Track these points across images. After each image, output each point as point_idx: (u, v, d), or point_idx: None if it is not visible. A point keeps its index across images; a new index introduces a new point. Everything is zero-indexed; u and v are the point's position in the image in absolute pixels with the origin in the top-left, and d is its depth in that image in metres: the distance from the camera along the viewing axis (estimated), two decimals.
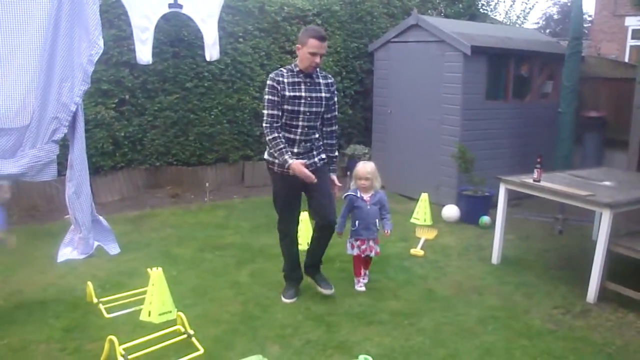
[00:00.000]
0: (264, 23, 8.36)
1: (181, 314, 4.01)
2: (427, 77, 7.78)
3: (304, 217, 5.95)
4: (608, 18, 19.02)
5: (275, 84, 4.22)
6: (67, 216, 5.27)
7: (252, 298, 4.69)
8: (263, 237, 6.27)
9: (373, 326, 4.22)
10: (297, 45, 4.31)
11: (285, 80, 4.24)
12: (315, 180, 4.22)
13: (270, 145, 4.29)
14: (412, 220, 7.01)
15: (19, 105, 4.17)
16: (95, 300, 4.44)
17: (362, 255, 4.93)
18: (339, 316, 4.33)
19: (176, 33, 7.58)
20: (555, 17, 34.95)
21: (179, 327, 4.01)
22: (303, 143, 4.38)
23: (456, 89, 7.33)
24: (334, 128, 4.60)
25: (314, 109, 4.34)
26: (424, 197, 7.05)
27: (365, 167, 4.88)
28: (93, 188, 7.14)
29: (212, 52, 6.90)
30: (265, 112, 4.27)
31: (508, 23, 12.98)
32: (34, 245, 5.74)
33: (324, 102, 4.39)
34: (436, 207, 7.25)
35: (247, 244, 6.02)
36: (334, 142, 4.64)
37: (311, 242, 4.77)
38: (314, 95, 4.32)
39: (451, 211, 7.09)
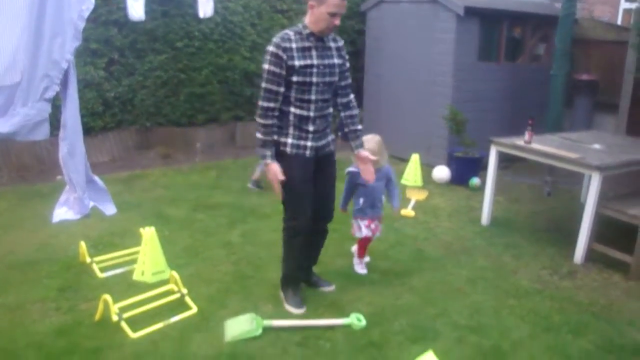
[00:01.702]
0: None
1: (174, 273, 4.05)
2: (419, 37, 7.72)
3: None
4: None
5: (280, 52, 3.45)
6: (60, 177, 5.26)
7: (244, 257, 4.74)
8: (254, 197, 6.29)
9: (364, 286, 4.29)
10: (310, 3, 3.52)
11: (294, 45, 3.50)
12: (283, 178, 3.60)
13: (260, 130, 3.58)
14: (402, 181, 7.03)
15: (9, 63, 4.10)
16: (88, 260, 4.47)
17: (373, 237, 4.52)
18: (330, 276, 4.38)
19: None
20: None
21: (172, 286, 4.05)
22: (318, 120, 3.69)
23: (448, 50, 7.29)
24: (350, 97, 3.92)
25: (327, 79, 3.63)
26: (415, 158, 7.06)
27: (368, 143, 4.19)
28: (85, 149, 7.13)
29: (205, 8, 6.81)
30: (263, 85, 3.53)
31: None
32: (24, 206, 5.74)
33: (337, 70, 3.70)
34: (427, 168, 7.27)
35: (238, 204, 6.04)
36: (354, 112, 3.95)
37: (312, 236, 4.04)
38: (326, 62, 3.61)
39: (442, 172, 7.13)
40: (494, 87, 7.81)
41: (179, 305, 3.88)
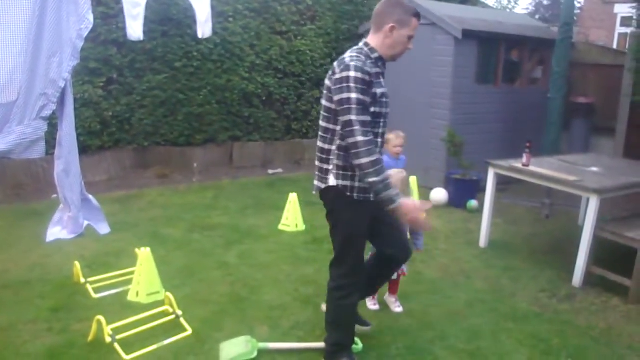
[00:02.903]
0: (254, 3, 8.29)
1: (169, 294, 4.00)
2: (417, 60, 7.73)
3: (293, 198, 5.95)
4: (597, 5, 19.01)
5: (366, 77, 2.96)
6: (55, 196, 5.23)
7: (240, 279, 4.69)
8: (251, 218, 6.26)
9: (361, 308, 4.24)
10: (390, 25, 3.08)
11: (372, 70, 3.04)
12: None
13: (368, 171, 2.90)
14: None
15: (6, 81, 4.11)
16: (82, 280, 4.42)
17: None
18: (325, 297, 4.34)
19: (165, 12, 7.49)
20: (545, 2, 34.95)
21: (167, 307, 4.00)
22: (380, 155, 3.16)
23: (446, 73, 7.32)
24: None
25: (389, 110, 3.25)
26: (413, 180, 7.04)
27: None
28: (80, 168, 7.10)
29: (204, 29, 6.84)
30: (353, 118, 2.91)
31: (499, 7, 12.97)
32: (19, 225, 5.69)
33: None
34: (424, 190, 7.26)
35: (235, 225, 6.01)
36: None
37: (371, 278, 3.68)
38: (387, 91, 3.22)
39: (439, 194, 7.11)
40: (492, 109, 7.82)
41: (174, 327, 3.82)
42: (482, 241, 5.67)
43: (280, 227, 5.96)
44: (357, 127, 2.91)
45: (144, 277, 4.21)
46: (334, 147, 3.11)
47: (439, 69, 7.43)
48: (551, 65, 7.57)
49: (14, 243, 5.24)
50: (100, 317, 3.58)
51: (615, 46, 16.00)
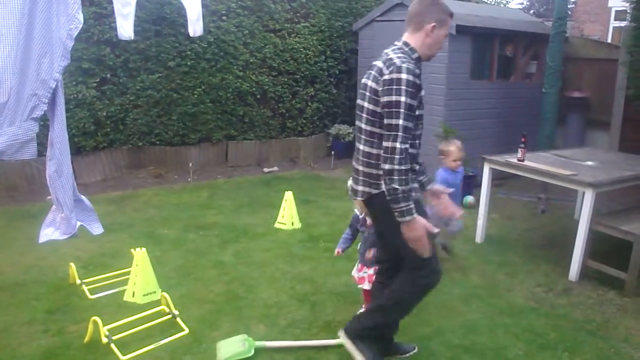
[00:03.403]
0: (248, 1, 8.27)
1: (165, 294, 3.99)
2: None
3: (289, 196, 5.94)
4: None
5: (417, 80, 2.89)
6: (50, 197, 5.22)
7: (236, 278, 4.68)
8: (247, 216, 6.25)
9: (357, 305, 4.23)
10: (431, 24, 3.03)
11: (417, 72, 2.94)
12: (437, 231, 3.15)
13: (395, 177, 2.85)
14: None
15: None
16: (78, 281, 4.40)
17: None
18: (323, 295, 4.34)
19: (158, 11, 7.47)
20: None
21: (163, 307, 3.99)
22: (419, 157, 3.23)
23: (441, 69, 7.31)
24: None
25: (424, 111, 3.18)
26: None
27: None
28: (75, 168, 7.05)
29: (195, 27, 6.82)
30: (398, 123, 2.84)
31: (493, 3, 12.96)
32: (14, 227, 5.67)
33: None
34: None
35: (230, 224, 6.00)
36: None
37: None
38: None
39: None
40: (487, 105, 7.83)
41: (170, 327, 3.82)
42: (479, 236, 5.67)
43: (276, 225, 5.95)
44: (400, 133, 2.84)
45: (139, 278, 4.20)
46: (382, 152, 2.96)
47: (433, 64, 7.39)
48: (545, 60, 7.57)
49: (8, 245, 5.22)
50: (97, 318, 3.57)
51: (609, 40, 16.00)
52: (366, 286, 3.83)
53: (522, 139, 5.21)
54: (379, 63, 3.02)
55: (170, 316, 3.89)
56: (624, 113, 7.82)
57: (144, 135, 7.82)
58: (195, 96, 8.00)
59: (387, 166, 2.87)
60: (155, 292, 4.24)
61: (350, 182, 3.32)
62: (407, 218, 2.89)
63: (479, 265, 5.12)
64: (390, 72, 2.89)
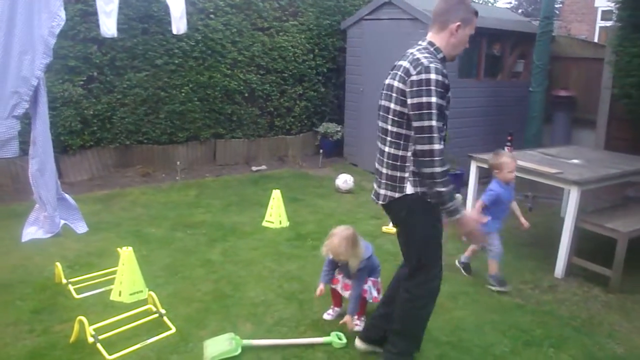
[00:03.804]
0: None
1: (152, 293, 3.98)
2: (399, 54, 7.73)
3: (276, 194, 5.94)
4: None
5: (445, 80, 2.86)
6: (34, 196, 5.18)
7: (223, 276, 4.68)
8: (234, 215, 6.24)
9: (345, 303, 4.24)
10: (456, 24, 2.99)
11: (445, 72, 2.92)
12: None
13: (438, 180, 2.85)
14: None
15: None
16: (64, 281, 4.38)
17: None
18: (311, 294, 4.33)
19: (145, 9, 7.43)
20: None
21: (150, 306, 3.98)
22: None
23: None
24: None
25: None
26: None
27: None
28: (61, 167, 7.04)
29: (179, 25, 6.79)
30: (433, 123, 2.81)
31: (481, 2, 13.01)
32: None
33: None
34: None
35: (218, 222, 5.99)
36: None
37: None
38: None
39: None
40: (474, 103, 7.86)
41: (157, 326, 3.80)
42: None
43: (264, 223, 5.94)
44: (435, 134, 2.81)
45: (126, 277, 4.18)
46: (409, 154, 2.97)
47: None
48: (532, 59, 7.62)
49: None
50: (82, 318, 3.55)
51: (596, 39, 16.11)
52: (338, 288, 3.91)
53: (509, 138, 5.25)
54: (404, 63, 2.98)
55: (157, 315, 3.88)
56: (610, 112, 7.89)
57: (131, 133, 7.78)
58: (183, 94, 7.97)
59: (427, 170, 2.85)
60: (142, 291, 4.22)
61: (373, 184, 3.29)
62: (457, 216, 2.92)
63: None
64: (419, 73, 2.85)
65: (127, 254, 4.18)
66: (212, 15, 8.01)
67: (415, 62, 2.90)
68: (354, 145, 8.91)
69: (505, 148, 5.22)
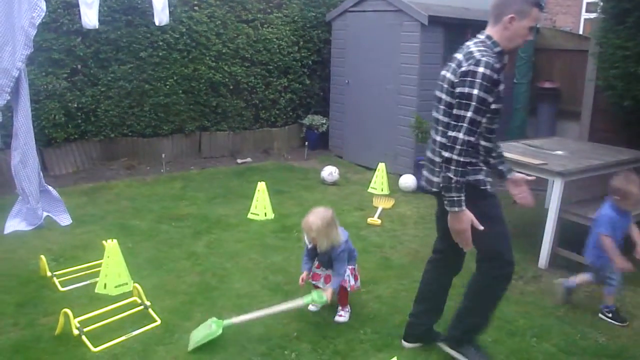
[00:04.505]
0: None
1: (137, 285, 3.97)
2: (384, 47, 7.77)
3: (262, 187, 5.94)
4: None
5: (494, 75, 2.84)
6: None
7: (209, 268, 4.68)
8: (220, 207, 6.24)
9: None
10: (510, 16, 2.95)
11: (497, 66, 2.90)
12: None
13: (452, 167, 2.84)
14: (369, 189, 7.08)
15: None
16: (49, 273, 4.36)
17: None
18: (296, 285, 4.31)
19: (129, 1, 7.37)
20: None
21: (135, 298, 3.98)
22: (495, 149, 3.30)
23: (413, 59, 7.35)
24: None
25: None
26: (381, 167, 7.10)
27: (313, 224, 3.68)
28: (46, 160, 6.99)
29: (161, 16, 6.75)
30: (466, 114, 2.83)
31: None
32: None
33: None
34: (393, 176, 7.32)
35: (203, 215, 5.98)
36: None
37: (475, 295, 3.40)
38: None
39: (408, 180, 7.16)
40: None
41: (143, 318, 3.80)
42: None
43: (249, 216, 5.94)
44: (467, 125, 2.82)
45: (111, 269, 4.17)
46: (445, 140, 2.98)
47: (405, 55, 7.46)
48: (517, 51, 7.65)
49: None
50: (67, 310, 3.54)
51: (581, 31, 16.21)
52: (320, 284, 3.88)
53: None
54: (459, 55, 3.00)
55: (142, 307, 3.88)
56: (594, 104, 7.94)
57: (115, 126, 7.73)
58: (168, 87, 7.93)
59: (446, 154, 2.86)
60: (127, 283, 4.21)
61: (424, 173, 3.29)
62: (456, 209, 2.91)
63: None
64: (468, 65, 2.87)
65: (112, 246, 4.17)
66: (196, 8, 7.97)
67: (468, 55, 2.94)
68: (339, 137, 8.92)
69: None
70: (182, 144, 8.43)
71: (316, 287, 3.95)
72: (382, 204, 6.42)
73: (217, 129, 8.65)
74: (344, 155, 8.77)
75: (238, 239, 5.34)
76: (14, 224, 5.07)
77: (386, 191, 7.00)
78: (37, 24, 4.46)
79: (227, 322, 3.60)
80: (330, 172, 7.31)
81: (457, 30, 7.67)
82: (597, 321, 4.02)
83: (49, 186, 5.43)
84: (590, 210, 4.79)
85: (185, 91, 8.12)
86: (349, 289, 3.89)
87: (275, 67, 8.98)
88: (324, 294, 3.68)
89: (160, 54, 7.75)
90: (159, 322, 3.77)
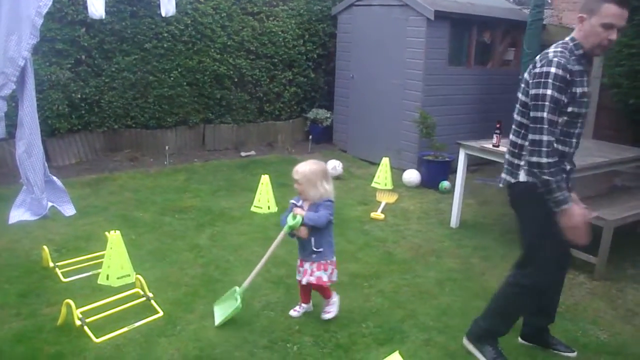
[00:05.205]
0: None
1: (140, 277, 3.98)
2: (390, 41, 7.74)
3: (265, 179, 5.94)
4: None
5: (567, 76, 2.86)
6: (22, 179, 5.14)
7: (212, 261, 4.68)
8: (223, 200, 6.24)
9: (333, 288, 4.26)
10: (579, 15, 2.97)
11: (575, 68, 2.91)
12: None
13: (545, 170, 2.87)
14: (373, 184, 7.07)
15: None
16: (51, 264, 4.36)
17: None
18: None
19: None
20: None
21: (137, 290, 3.98)
22: (572, 158, 3.20)
23: (419, 54, 7.33)
24: None
25: (588, 110, 3.11)
26: (385, 161, 7.09)
27: (298, 172, 3.73)
28: (49, 151, 6.99)
29: (167, 7, 6.73)
30: (543, 115, 2.87)
31: None
32: None
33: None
34: (397, 171, 7.31)
35: (207, 207, 5.98)
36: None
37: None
38: (589, 90, 3.05)
39: (412, 176, 7.15)
40: (464, 91, 7.87)
41: (145, 310, 3.81)
42: (454, 221, 5.73)
43: (253, 209, 5.95)
44: (545, 126, 2.86)
45: (114, 260, 4.17)
46: (526, 143, 3.03)
47: (411, 50, 7.44)
48: (523, 47, 7.62)
49: None
50: (70, 301, 3.54)
51: None
52: (304, 281, 3.77)
53: (497, 125, 5.25)
54: (538, 57, 3.04)
55: (144, 299, 3.88)
56: (599, 101, 7.90)
57: (119, 117, 7.73)
58: (172, 79, 7.92)
59: (534, 159, 2.91)
60: (129, 275, 4.22)
61: (503, 175, 3.34)
62: (564, 206, 2.91)
63: (454, 249, 5.17)
64: (542, 66, 2.92)
65: (115, 237, 4.18)
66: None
67: (543, 55, 2.98)
68: (343, 131, 8.90)
69: (494, 135, 5.23)
70: (186, 136, 8.43)
71: (302, 286, 3.85)
72: (385, 199, 6.41)
73: (221, 121, 8.64)
74: (347, 149, 8.76)
75: (241, 231, 5.35)
76: (19, 214, 5.08)
77: (390, 186, 6.99)
78: (43, 13, 4.45)
79: (239, 290, 3.73)
80: (334, 166, 7.30)
81: (463, 25, 7.65)
82: (599, 318, 4.02)
83: (53, 176, 5.43)
84: (593, 208, 4.77)
85: (189, 83, 8.11)
86: (328, 283, 3.75)
87: (280, 60, 8.96)
88: (297, 214, 3.57)
89: (165, 45, 7.74)
90: (161, 313, 3.77)
